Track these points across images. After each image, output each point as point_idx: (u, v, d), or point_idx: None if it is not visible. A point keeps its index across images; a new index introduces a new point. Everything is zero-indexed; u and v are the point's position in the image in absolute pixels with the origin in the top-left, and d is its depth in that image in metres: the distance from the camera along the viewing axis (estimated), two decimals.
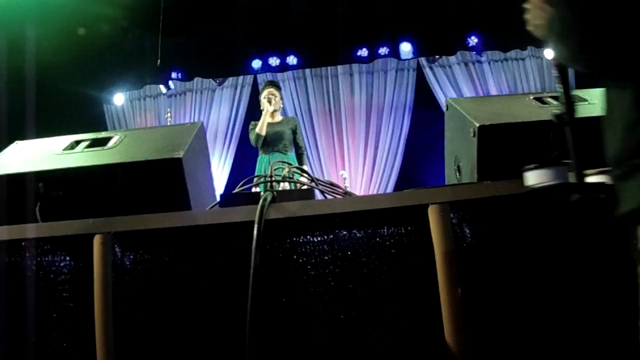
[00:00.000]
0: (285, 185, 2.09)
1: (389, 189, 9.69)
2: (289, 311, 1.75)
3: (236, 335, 1.70)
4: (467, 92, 9.82)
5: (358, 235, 1.75)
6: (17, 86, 6.98)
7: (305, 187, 1.95)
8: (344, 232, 1.75)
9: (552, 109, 2.73)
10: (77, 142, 2.81)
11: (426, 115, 10.02)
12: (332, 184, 2.24)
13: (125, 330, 1.86)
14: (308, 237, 1.77)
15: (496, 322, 1.67)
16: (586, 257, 1.76)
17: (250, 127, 6.53)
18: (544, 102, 2.86)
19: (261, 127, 6.24)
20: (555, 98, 2.93)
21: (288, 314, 1.75)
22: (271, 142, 6.26)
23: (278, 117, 6.47)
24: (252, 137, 6.34)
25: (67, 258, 1.99)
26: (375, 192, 9.63)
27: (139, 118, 10.04)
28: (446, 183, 3.07)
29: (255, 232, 1.61)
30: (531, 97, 2.89)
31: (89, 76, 8.71)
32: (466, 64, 9.97)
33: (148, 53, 8.77)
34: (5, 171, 2.58)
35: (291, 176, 2.08)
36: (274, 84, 6.69)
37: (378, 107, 9.97)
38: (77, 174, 2.54)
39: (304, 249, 1.77)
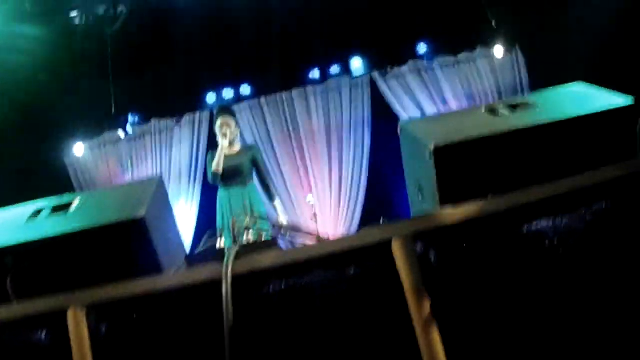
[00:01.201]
0: (249, 235, 2.09)
1: (359, 207, 9.74)
2: None
3: None
4: (423, 100, 9.91)
5: (325, 279, 1.77)
6: None
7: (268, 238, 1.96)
8: (311, 278, 1.77)
9: (504, 120, 2.80)
10: (40, 210, 2.79)
11: (386, 129, 10.02)
12: (293, 228, 2.26)
13: None
14: (276, 287, 1.79)
15: (478, 351, 1.69)
16: (561, 280, 1.78)
17: (208, 159, 6.20)
18: (496, 113, 2.90)
19: (217, 165, 5.88)
20: (508, 106, 2.98)
21: None
22: (229, 176, 5.94)
23: (236, 147, 6.14)
24: (209, 175, 6.03)
25: (43, 333, 1.98)
26: (345, 212, 9.67)
27: (101, 166, 9.97)
28: (410, 205, 3.10)
29: (223, 288, 1.62)
30: (483, 110, 2.92)
31: (44, 133, 8.64)
32: (419, 72, 10.03)
33: (102, 100, 8.74)
34: None
35: (254, 223, 2.09)
36: (226, 112, 6.34)
37: (337, 126, 10.01)
38: (43, 245, 2.53)
39: (273, 300, 1.79)
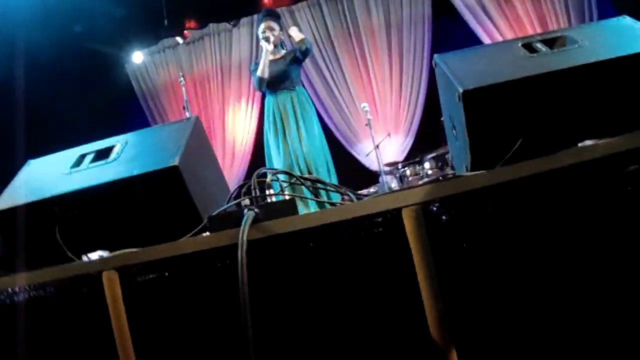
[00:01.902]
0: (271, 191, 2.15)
1: (420, 104, 9.67)
2: (278, 327, 1.85)
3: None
4: None
5: (338, 245, 1.82)
6: (35, 67, 7.07)
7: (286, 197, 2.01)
8: (324, 245, 1.83)
9: (539, 59, 2.71)
10: (83, 156, 2.90)
11: (447, 24, 9.91)
12: (318, 180, 2.30)
13: (144, 353, 1.99)
14: (290, 253, 1.86)
15: (486, 335, 1.73)
16: (591, 261, 1.77)
17: (252, 68, 6.22)
18: (533, 50, 2.80)
19: (262, 70, 5.86)
20: (544, 42, 2.86)
21: (278, 330, 1.85)
22: (276, 81, 5.91)
23: (280, 53, 6.09)
24: (254, 80, 6.01)
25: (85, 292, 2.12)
26: (406, 109, 9.62)
27: (161, 71, 10.13)
28: (447, 137, 3.08)
29: (239, 255, 1.69)
30: (519, 45, 2.83)
31: (104, 41, 8.78)
32: None
33: (158, 8, 8.76)
34: (22, 200, 2.71)
35: (275, 179, 2.14)
36: (271, 15, 6.26)
37: (397, 22, 9.86)
38: (86, 195, 2.65)
39: (287, 266, 1.86)
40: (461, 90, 2.50)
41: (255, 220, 1.88)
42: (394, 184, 8.74)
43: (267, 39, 5.94)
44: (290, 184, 2.25)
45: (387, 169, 8.69)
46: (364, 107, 7.83)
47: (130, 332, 2.04)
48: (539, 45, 2.82)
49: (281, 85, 5.89)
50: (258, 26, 6.19)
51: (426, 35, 9.82)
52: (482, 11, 9.51)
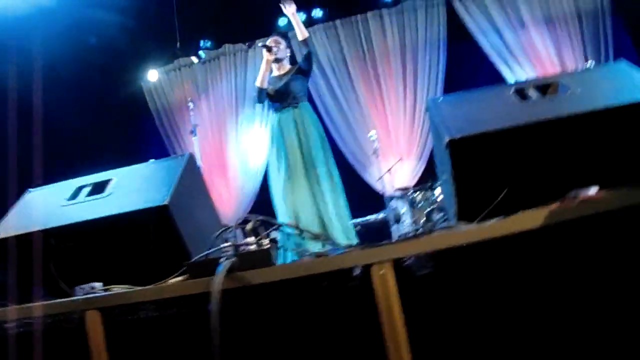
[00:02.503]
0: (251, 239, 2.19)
1: None
2: None
3: None
4: (501, 21, 9.61)
5: (309, 298, 1.86)
6: (52, 84, 7.18)
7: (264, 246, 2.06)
8: (297, 297, 1.87)
9: (530, 107, 2.74)
10: (80, 189, 2.97)
11: (461, 49, 9.90)
12: (297, 227, 2.34)
13: None
14: (263, 304, 1.91)
15: None
16: (565, 321, 1.79)
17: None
18: (524, 96, 2.82)
19: (260, 79, 5.72)
20: (537, 88, 2.88)
21: None
22: (279, 96, 5.72)
23: (285, 68, 5.90)
24: (254, 93, 5.87)
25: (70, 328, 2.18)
26: (419, 132, 9.64)
27: (177, 89, 10.24)
28: (438, 185, 3.10)
29: (212, 303, 1.74)
30: (512, 91, 2.85)
31: (119, 60, 8.91)
32: None
33: (174, 27, 8.87)
34: (19, 230, 2.79)
35: (257, 225, 2.18)
36: (279, 33, 6.26)
37: (412, 47, 9.89)
38: (81, 228, 2.72)
39: (258, 317, 1.91)
40: (447, 139, 2.53)
41: (231, 270, 1.93)
42: (404, 209, 8.75)
43: (269, 49, 5.78)
44: (270, 231, 2.27)
45: (398, 193, 8.71)
46: (371, 135, 7.84)
47: None
48: (531, 92, 2.84)
49: (284, 102, 5.71)
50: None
51: (441, 58, 9.83)
52: (498, 36, 9.53)
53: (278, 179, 5.62)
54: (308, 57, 5.85)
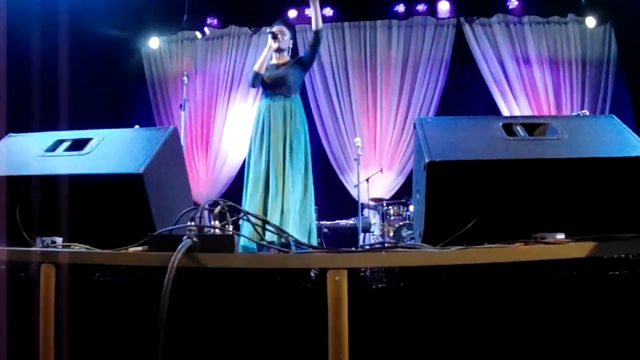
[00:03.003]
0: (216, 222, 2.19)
1: None
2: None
3: None
4: (506, 53, 9.74)
5: (259, 292, 1.88)
6: (55, 34, 7.14)
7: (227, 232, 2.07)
8: (245, 289, 1.89)
9: (516, 143, 2.77)
10: (60, 142, 2.97)
11: (462, 72, 9.99)
12: (264, 221, 2.36)
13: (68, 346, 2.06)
14: (216, 288, 1.92)
15: None
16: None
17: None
18: (512, 132, 2.85)
19: (259, 64, 5.64)
20: (526, 126, 2.92)
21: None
22: (273, 84, 5.62)
23: (284, 59, 5.82)
24: (250, 75, 5.76)
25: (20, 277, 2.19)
26: (405, 148, 9.68)
27: (175, 61, 10.22)
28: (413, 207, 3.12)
29: (166, 281, 1.75)
30: (501, 124, 2.88)
31: (125, 22, 8.87)
32: (507, 24, 9.84)
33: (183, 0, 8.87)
34: None
35: (225, 210, 2.19)
36: (286, 22, 6.12)
37: (414, 62, 9.95)
38: (52, 181, 2.72)
39: (210, 299, 1.93)
40: (427, 160, 2.56)
41: (191, 249, 1.94)
42: (375, 220, 8.81)
43: (274, 37, 5.71)
44: (237, 218, 2.29)
45: (372, 203, 8.77)
46: (357, 142, 7.85)
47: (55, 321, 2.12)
48: (518, 129, 2.88)
49: (277, 89, 5.63)
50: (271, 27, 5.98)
51: (440, 78, 9.89)
52: (500, 66, 9.61)
53: (258, 163, 5.57)
54: (314, 48, 5.78)
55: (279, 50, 5.79)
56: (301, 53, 6.30)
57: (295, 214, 5.40)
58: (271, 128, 5.54)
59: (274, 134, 5.50)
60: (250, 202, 5.44)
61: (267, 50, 5.70)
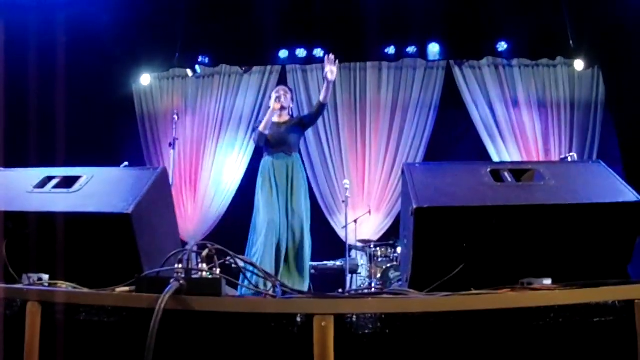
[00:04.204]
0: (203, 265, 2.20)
1: None
2: None
3: None
4: (495, 95, 9.78)
5: (243, 336, 1.88)
6: (47, 69, 7.18)
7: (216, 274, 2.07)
8: (231, 332, 1.88)
9: (503, 189, 2.79)
10: (49, 179, 2.98)
11: (451, 115, 10.04)
12: (252, 264, 2.37)
13: None
14: (202, 331, 1.91)
15: None
16: None
17: (254, 125, 6.40)
18: (499, 178, 2.87)
19: (264, 125, 5.94)
20: (513, 172, 2.95)
21: None
22: (276, 143, 5.99)
23: (285, 118, 6.20)
24: (254, 135, 6.09)
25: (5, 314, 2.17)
26: (393, 190, 9.69)
27: (166, 98, 10.25)
28: (400, 249, 3.13)
29: (152, 323, 1.74)
30: (488, 170, 2.90)
31: (116, 58, 8.92)
32: (496, 67, 9.90)
33: (175, 37, 8.93)
34: None
35: (213, 253, 2.20)
36: (286, 85, 6.66)
37: (404, 103, 9.98)
38: (40, 218, 2.72)
39: (196, 342, 1.92)
40: (415, 206, 2.58)
41: (178, 292, 1.94)
42: (362, 261, 8.79)
43: (278, 98, 6.06)
44: (224, 262, 2.29)
45: (359, 245, 8.76)
46: (345, 184, 7.86)
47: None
48: (506, 175, 2.91)
49: (279, 148, 5.98)
50: (272, 90, 6.49)
51: (429, 122, 9.92)
52: (489, 109, 9.67)
53: (270, 208, 5.81)
54: (317, 115, 6.18)
55: (281, 109, 6.09)
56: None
57: (294, 261, 5.78)
58: (277, 180, 5.86)
59: (281, 187, 5.83)
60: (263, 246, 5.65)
61: (271, 112, 6.00)
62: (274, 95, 6.14)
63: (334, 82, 6.11)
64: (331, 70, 5.82)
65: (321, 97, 5.97)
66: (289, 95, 6.23)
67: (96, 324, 2.07)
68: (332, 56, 5.83)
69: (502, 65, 9.87)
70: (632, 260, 2.67)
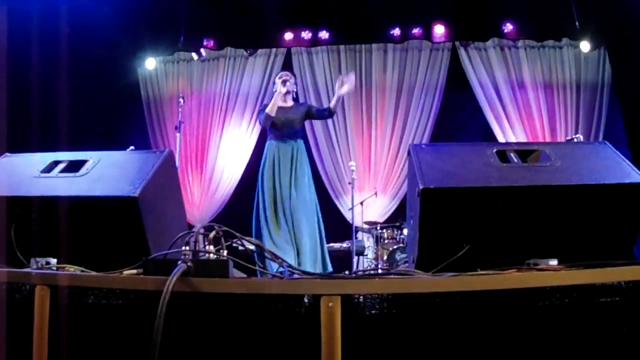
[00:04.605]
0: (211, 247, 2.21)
1: None
2: None
3: None
4: (501, 77, 9.77)
5: (251, 317, 1.89)
6: (52, 54, 7.17)
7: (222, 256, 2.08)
8: (238, 313, 1.89)
9: (509, 170, 2.79)
10: (56, 163, 2.99)
11: (457, 96, 10.02)
12: (259, 246, 2.38)
13: None
14: (209, 313, 1.93)
15: None
16: None
17: (260, 107, 6.53)
18: (505, 159, 2.87)
19: (272, 108, 6.07)
20: (519, 153, 2.94)
21: None
22: (282, 127, 6.16)
23: (289, 102, 6.34)
24: (261, 117, 6.20)
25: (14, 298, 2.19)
26: (399, 172, 9.68)
27: (171, 82, 10.25)
28: (407, 230, 3.14)
29: (160, 305, 1.75)
30: (494, 151, 2.89)
31: (121, 42, 8.91)
32: (502, 49, 9.88)
33: (180, 21, 8.92)
34: None
35: (220, 235, 2.21)
36: (290, 71, 6.81)
37: (409, 85, 9.97)
38: (48, 202, 2.73)
39: (204, 323, 1.93)
40: (421, 187, 2.58)
41: (185, 274, 1.95)
42: (369, 243, 8.81)
43: (284, 82, 6.23)
44: (232, 243, 2.30)
45: (365, 227, 8.78)
46: (352, 166, 7.86)
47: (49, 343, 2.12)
48: (512, 155, 2.90)
49: (286, 133, 6.17)
50: (277, 76, 6.50)
51: (435, 104, 9.90)
52: (495, 91, 9.64)
53: (268, 200, 6.03)
54: (325, 117, 6.66)
55: (286, 93, 6.25)
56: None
57: (309, 248, 5.91)
58: (281, 164, 6.06)
59: (284, 168, 6.03)
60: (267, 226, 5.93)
61: (277, 96, 6.18)
62: (278, 80, 6.29)
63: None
64: (343, 83, 6.07)
65: (332, 105, 6.22)
66: (292, 80, 6.38)
67: (104, 307, 2.08)
68: (351, 75, 6.14)
69: (508, 46, 9.86)
70: (637, 241, 2.67)
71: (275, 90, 6.26)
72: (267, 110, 6.09)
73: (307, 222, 5.95)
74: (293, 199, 5.92)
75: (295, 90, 6.46)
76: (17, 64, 6.90)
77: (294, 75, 6.60)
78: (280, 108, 6.17)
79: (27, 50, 7.21)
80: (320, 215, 6.17)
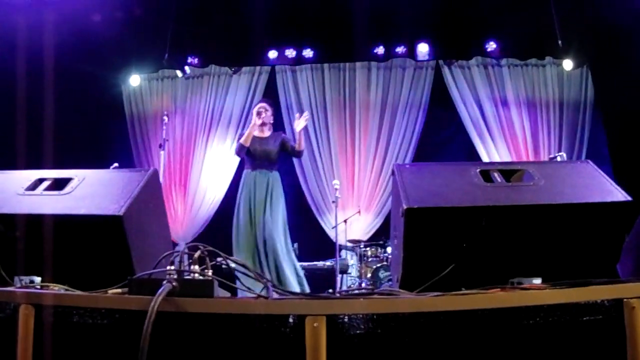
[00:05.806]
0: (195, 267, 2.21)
1: None
2: None
3: None
4: (484, 95, 9.81)
5: (236, 338, 1.89)
6: (36, 70, 7.14)
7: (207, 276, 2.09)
8: (224, 333, 1.89)
9: (493, 189, 2.81)
10: (40, 181, 2.98)
11: (441, 115, 10.05)
12: (244, 266, 2.38)
13: None
14: (194, 333, 1.92)
15: None
16: None
17: (238, 137, 6.60)
18: (489, 179, 2.89)
19: (245, 139, 6.24)
20: (503, 172, 2.97)
21: None
22: (258, 158, 6.30)
23: (267, 132, 6.48)
24: (236, 146, 6.36)
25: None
26: (382, 190, 9.70)
27: (155, 99, 10.23)
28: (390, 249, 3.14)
29: (145, 325, 1.75)
30: (478, 170, 2.91)
31: (106, 59, 8.89)
32: (485, 67, 9.93)
33: (165, 38, 8.92)
34: None
35: (205, 255, 2.21)
36: (268, 100, 6.87)
37: (393, 103, 9.99)
38: (32, 220, 2.71)
39: (189, 343, 1.93)
40: (405, 207, 2.59)
41: (171, 294, 1.95)
42: (353, 261, 8.80)
43: (259, 114, 6.37)
44: (216, 263, 2.30)
45: (349, 245, 8.78)
46: (335, 184, 7.87)
47: None
48: (495, 175, 2.92)
49: (262, 164, 6.29)
50: (255, 105, 6.76)
51: (419, 122, 9.91)
52: (478, 109, 9.68)
53: (244, 225, 6.17)
54: (297, 155, 6.71)
55: (262, 124, 6.41)
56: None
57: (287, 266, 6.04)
58: (257, 194, 6.18)
59: (259, 197, 6.16)
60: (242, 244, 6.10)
61: (252, 126, 6.31)
62: (254, 111, 6.44)
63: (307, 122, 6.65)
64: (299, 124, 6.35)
65: (297, 146, 6.43)
66: (269, 112, 6.51)
67: (89, 326, 2.07)
68: (305, 114, 6.48)
69: (491, 65, 9.92)
70: (620, 259, 2.69)
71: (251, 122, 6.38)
72: (242, 140, 6.26)
73: (281, 245, 6.07)
74: (268, 225, 6.05)
75: (271, 122, 6.58)
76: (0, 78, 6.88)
77: (272, 106, 6.73)
78: (257, 138, 6.32)
79: (11, 66, 7.18)
80: (289, 238, 6.33)
